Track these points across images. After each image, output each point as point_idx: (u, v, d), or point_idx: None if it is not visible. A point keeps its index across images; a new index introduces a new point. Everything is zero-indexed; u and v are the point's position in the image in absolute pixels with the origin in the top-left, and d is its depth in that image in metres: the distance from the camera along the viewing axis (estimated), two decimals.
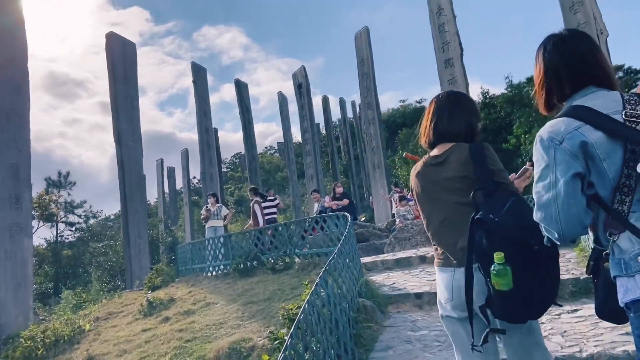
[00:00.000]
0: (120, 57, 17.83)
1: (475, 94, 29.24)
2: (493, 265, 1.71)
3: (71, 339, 7.70)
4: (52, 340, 7.54)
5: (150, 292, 9.80)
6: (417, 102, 79.13)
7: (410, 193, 12.72)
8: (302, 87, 25.70)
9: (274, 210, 14.03)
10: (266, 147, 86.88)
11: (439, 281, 2.18)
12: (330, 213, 11.35)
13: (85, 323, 8.33)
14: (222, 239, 10.36)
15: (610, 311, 1.60)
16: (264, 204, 14.55)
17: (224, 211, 13.39)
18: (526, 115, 20.70)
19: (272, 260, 8.12)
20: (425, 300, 5.26)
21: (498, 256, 1.69)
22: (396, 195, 15.07)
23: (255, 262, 8.57)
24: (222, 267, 9.84)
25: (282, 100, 29.49)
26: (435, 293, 5.54)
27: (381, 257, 7.99)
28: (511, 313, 1.82)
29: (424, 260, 7.10)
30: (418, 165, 2.29)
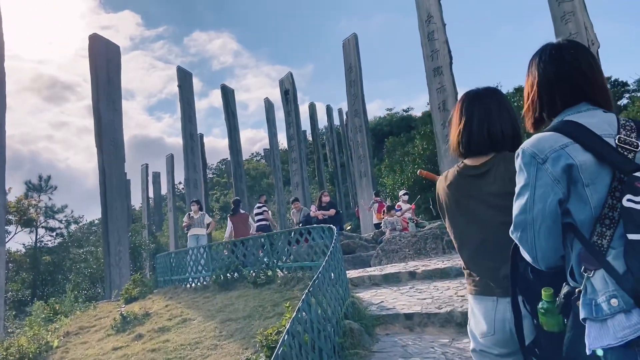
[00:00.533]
0: (104, 59, 17.34)
1: None
2: (541, 303, 1.47)
3: (37, 356, 7.20)
4: (16, 358, 7.04)
5: (125, 305, 9.32)
6: (404, 110, 79.40)
7: (398, 203, 12.42)
8: (289, 94, 25.38)
9: (262, 217, 13.70)
10: (252, 154, 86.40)
11: (475, 311, 1.87)
12: (315, 224, 11.02)
13: (54, 339, 7.84)
14: (202, 249, 9.93)
15: (578, 356, 1.38)
16: (254, 211, 14.11)
17: (207, 219, 12.96)
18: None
19: (254, 273, 7.72)
20: (416, 321, 4.91)
21: (546, 293, 1.47)
22: (376, 205, 14.73)
23: (236, 274, 8.17)
24: (202, 279, 9.40)
25: (269, 106, 29.15)
26: (426, 314, 5.23)
27: (369, 271, 7.65)
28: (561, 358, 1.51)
29: (413, 276, 6.77)
30: (449, 175, 1.97)
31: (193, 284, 9.58)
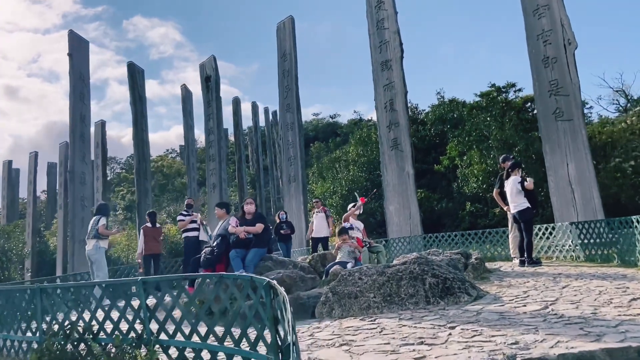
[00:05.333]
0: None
1: None
2: None
3: None
4: None
5: None
6: (330, 116, 77.69)
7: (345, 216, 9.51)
8: (210, 81, 21.88)
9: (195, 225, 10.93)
10: (167, 150, 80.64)
11: None
12: (237, 244, 7.83)
13: None
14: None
15: None
16: (178, 218, 11.26)
17: (102, 221, 9.43)
18: (464, 134, 18.56)
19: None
20: None
21: None
22: (321, 215, 11.88)
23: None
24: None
25: (186, 95, 25.42)
26: None
27: (316, 336, 4.64)
28: None
29: None
30: None
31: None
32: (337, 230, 7.78)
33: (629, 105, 22.24)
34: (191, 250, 10.35)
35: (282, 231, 12.29)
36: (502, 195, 9.24)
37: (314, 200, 13.56)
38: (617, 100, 23.41)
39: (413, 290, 5.78)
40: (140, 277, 4.59)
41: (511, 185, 8.79)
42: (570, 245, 9.50)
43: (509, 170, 8.98)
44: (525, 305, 4.90)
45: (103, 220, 9.33)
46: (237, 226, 8.05)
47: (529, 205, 8.64)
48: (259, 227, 7.98)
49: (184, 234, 10.84)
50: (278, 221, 12.69)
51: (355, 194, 12.07)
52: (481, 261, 7.55)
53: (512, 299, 5.35)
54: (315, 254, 9.03)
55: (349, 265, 7.00)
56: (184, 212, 11.00)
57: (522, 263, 8.64)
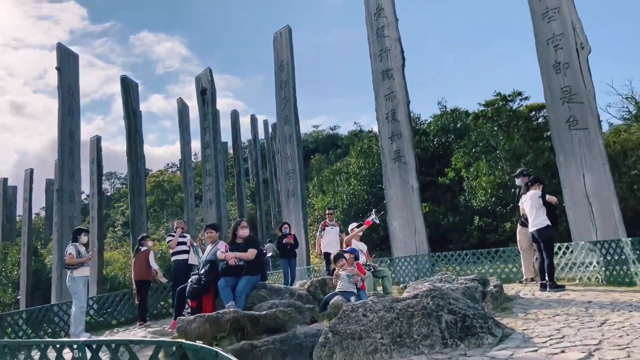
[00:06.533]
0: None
1: None
2: None
3: None
4: None
5: None
6: (330, 128, 77.16)
7: (347, 238, 8.67)
8: (206, 94, 21.22)
9: (186, 247, 10.10)
10: (168, 164, 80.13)
11: None
12: (227, 273, 7.03)
13: None
14: None
15: None
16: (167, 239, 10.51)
17: (67, 252, 8.66)
18: (470, 145, 17.78)
19: None
20: None
21: None
22: (336, 229, 10.71)
23: None
24: None
25: (182, 107, 24.77)
26: None
27: None
28: None
29: None
30: None
31: None
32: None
33: (638, 112, 21.50)
34: (181, 275, 9.56)
35: (286, 245, 11.20)
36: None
37: (327, 212, 12.24)
38: (627, 107, 22.72)
39: (427, 329, 4.97)
40: None
41: (531, 200, 8.01)
42: (595, 266, 8.68)
43: (529, 184, 8.21)
44: (563, 352, 4.09)
45: (70, 249, 8.53)
46: (226, 251, 7.26)
47: (549, 222, 7.85)
48: (251, 253, 7.18)
49: (173, 257, 10.06)
50: (280, 234, 11.55)
51: (373, 212, 11.01)
52: (500, 289, 6.74)
53: (545, 340, 4.54)
54: (315, 279, 8.22)
55: (353, 299, 6.18)
56: (173, 233, 10.23)
57: (543, 287, 7.83)
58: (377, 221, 10.65)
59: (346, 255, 7.16)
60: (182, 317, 6.19)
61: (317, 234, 11.39)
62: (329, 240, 10.66)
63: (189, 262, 9.87)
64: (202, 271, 7.37)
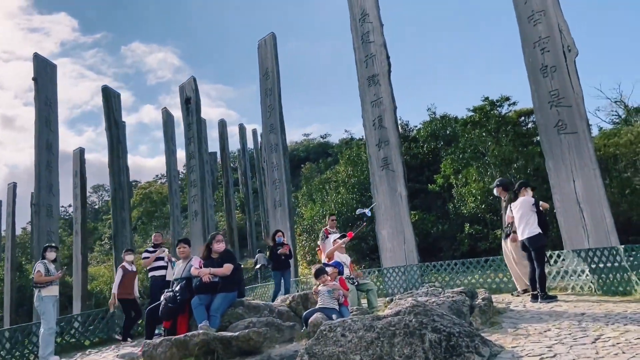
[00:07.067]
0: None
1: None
2: None
3: None
4: None
5: None
6: (321, 136, 76.91)
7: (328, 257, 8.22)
8: (190, 103, 20.83)
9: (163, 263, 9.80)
10: (157, 175, 79.49)
11: None
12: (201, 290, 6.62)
13: None
14: None
15: None
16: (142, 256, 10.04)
17: (35, 270, 8.27)
18: (458, 151, 17.50)
19: None
20: None
21: None
22: (335, 236, 10.00)
23: None
24: None
25: (167, 117, 24.37)
26: None
27: None
28: None
29: None
30: None
31: None
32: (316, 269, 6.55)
33: (627, 116, 21.38)
34: (158, 292, 9.10)
35: (280, 255, 10.49)
36: None
37: (330, 218, 11.15)
38: (615, 111, 22.59)
39: (409, 350, 4.60)
40: None
41: (523, 207, 7.69)
42: (587, 275, 8.35)
43: (516, 191, 7.91)
44: None
45: (39, 266, 8.11)
46: (200, 266, 6.87)
47: (540, 231, 7.54)
48: (227, 268, 6.79)
49: (150, 273, 9.64)
50: (273, 244, 10.75)
51: (365, 211, 10.34)
52: (489, 302, 6.38)
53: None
54: (297, 294, 7.82)
55: (334, 316, 5.80)
56: (150, 250, 9.80)
57: (534, 298, 7.49)
58: (369, 213, 10.11)
59: (329, 269, 6.79)
60: (147, 341, 5.78)
61: (320, 242, 10.27)
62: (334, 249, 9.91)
63: (167, 278, 9.45)
64: (177, 288, 6.97)
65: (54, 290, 8.12)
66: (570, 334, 5.02)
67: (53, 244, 8.95)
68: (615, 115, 22.25)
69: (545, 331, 5.29)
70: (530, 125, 22.33)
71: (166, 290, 7.16)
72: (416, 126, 24.52)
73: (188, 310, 6.79)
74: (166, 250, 10.00)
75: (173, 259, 9.92)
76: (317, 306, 6.21)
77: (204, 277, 6.62)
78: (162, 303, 6.82)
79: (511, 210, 8.00)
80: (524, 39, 12.27)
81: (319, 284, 6.30)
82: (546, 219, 8.04)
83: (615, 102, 21.81)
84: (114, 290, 9.66)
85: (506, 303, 7.75)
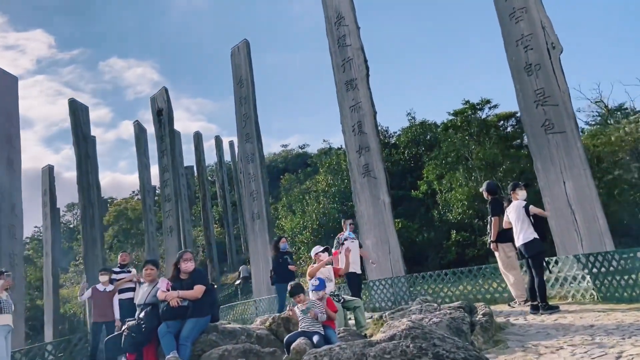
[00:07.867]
0: None
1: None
2: None
3: None
4: None
5: None
6: (299, 147, 76.30)
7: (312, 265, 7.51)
8: (162, 114, 20.04)
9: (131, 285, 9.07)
10: (133, 191, 77.76)
11: None
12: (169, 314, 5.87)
13: None
14: None
15: None
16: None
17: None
18: (441, 156, 17.04)
19: None
20: None
21: None
22: (355, 243, 8.75)
23: None
24: None
25: (139, 131, 23.46)
26: None
27: None
28: None
29: None
30: None
31: None
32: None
33: (608, 116, 21.30)
34: (126, 316, 8.32)
35: (289, 265, 9.41)
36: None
37: (349, 222, 9.57)
38: (596, 111, 22.51)
39: None
40: None
41: (515, 211, 7.16)
42: (588, 282, 7.84)
43: (509, 194, 7.39)
44: None
45: None
46: (167, 288, 6.12)
47: (536, 236, 7.00)
48: (197, 290, 6.07)
49: (117, 295, 8.83)
50: (275, 254, 9.66)
51: (347, 224, 9.19)
52: (491, 317, 5.78)
53: None
54: (277, 315, 7.13)
55: (315, 338, 5.13)
56: (116, 270, 9.01)
57: (534, 309, 6.93)
58: (352, 236, 8.96)
59: (320, 293, 6.03)
60: None
61: (335, 249, 8.67)
62: (354, 257, 8.51)
63: (135, 301, 8.66)
64: (142, 315, 6.20)
65: (5, 320, 7.27)
66: (586, 352, 4.44)
67: (3, 269, 8.08)
68: (597, 115, 22.21)
69: (557, 349, 4.71)
70: (509, 129, 22.11)
71: (127, 320, 6.40)
72: (396, 132, 24.11)
73: (155, 340, 6.03)
74: (134, 270, 9.22)
75: (142, 280, 9.15)
76: (300, 329, 5.53)
77: (171, 302, 5.88)
78: (125, 333, 6.05)
79: (507, 216, 7.47)
80: (506, 38, 11.89)
81: (296, 305, 5.63)
82: (542, 224, 7.52)
83: (596, 102, 21.78)
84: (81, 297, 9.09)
85: (505, 316, 7.17)
